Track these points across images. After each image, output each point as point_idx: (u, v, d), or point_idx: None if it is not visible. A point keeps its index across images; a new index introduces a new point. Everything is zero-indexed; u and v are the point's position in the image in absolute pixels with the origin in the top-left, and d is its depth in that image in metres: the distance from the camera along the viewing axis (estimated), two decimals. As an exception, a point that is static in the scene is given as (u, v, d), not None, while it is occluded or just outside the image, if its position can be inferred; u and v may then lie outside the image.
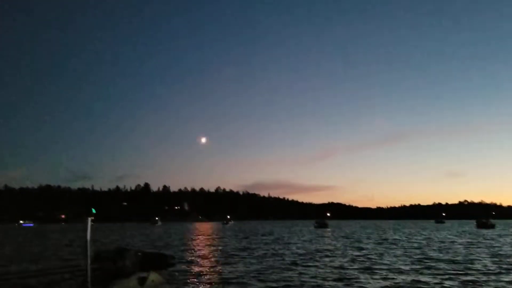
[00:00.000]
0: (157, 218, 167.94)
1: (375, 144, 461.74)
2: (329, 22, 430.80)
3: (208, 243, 40.19)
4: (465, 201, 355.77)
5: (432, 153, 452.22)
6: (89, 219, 4.33)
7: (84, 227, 4.15)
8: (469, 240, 41.70)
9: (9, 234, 75.89)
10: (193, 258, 24.28)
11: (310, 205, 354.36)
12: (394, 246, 32.72)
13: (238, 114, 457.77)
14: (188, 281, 15.27)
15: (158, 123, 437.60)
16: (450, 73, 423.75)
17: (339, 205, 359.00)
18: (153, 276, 5.36)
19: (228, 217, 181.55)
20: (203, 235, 60.95)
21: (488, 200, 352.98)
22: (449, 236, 50.71)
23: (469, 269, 18.45)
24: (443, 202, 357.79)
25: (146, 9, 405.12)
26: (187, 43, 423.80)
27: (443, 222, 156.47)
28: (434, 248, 31.07)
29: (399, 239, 43.54)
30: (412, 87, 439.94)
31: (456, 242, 38.92)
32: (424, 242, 38.87)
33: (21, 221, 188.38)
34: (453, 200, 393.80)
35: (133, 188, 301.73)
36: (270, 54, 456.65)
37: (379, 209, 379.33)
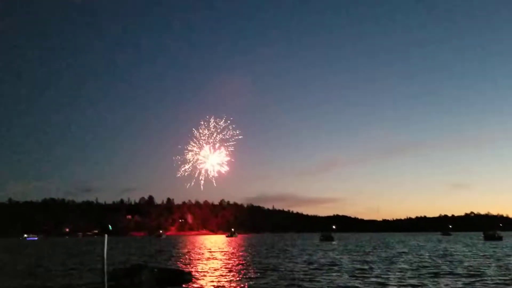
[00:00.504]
0: (161, 231, 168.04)
1: (380, 156, 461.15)
2: (334, 36, 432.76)
3: (214, 256, 39.88)
4: (471, 213, 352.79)
5: (438, 165, 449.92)
6: (106, 236, 4.21)
7: (102, 244, 4.01)
8: (479, 253, 41.14)
9: (16, 248, 75.65)
10: (202, 272, 23.96)
11: (315, 218, 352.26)
12: (402, 260, 32.30)
13: (243, 127, 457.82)
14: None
15: (162, 136, 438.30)
16: (456, 85, 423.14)
17: (344, 218, 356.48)
18: None
19: (233, 229, 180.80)
20: (208, 248, 60.55)
21: (494, 211, 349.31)
22: (457, 248, 50.09)
23: (482, 282, 18.09)
24: (449, 214, 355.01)
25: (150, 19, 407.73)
26: (193, 52, 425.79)
27: (450, 234, 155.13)
28: (444, 261, 30.63)
29: (407, 252, 43.03)
30: (418, 99, 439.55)
31: (466, 254, 38.40)
32: (432, 255, 38.37)
33: (25, 235, 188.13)
34: (459, 212, 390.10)
35: (137, 201, 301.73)
36: (274, 66, 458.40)
37: (385, 222, 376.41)
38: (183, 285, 5.33)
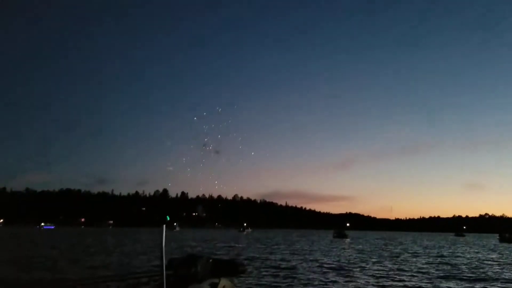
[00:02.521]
0: (175, 224, 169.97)
1: (394, 155, 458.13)
2: (348, 33, 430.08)
3: (226, 251, 40.41)
4: (486, 214, 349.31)
5: (452, 165, 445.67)
6: (164, 226, 4.80)
7: (160, 234, 4.61)
8: (497, 256, 41.07)
9: (40, 236, 77.28)
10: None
11: (327, 215, 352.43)
12: (421, 261, 32.50)
13: (257, 123, 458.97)
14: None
15: (178, 129, 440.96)
16: (472, 85, 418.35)
17: (357, 216, 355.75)
18: (224, 282, 5.85)
19: (245, 224, 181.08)
20: (219, 241, 61.25)
21: (510, 213, 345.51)
22: (476, 251, 50.07)
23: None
24: (463, 215, 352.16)
25: (160, 8, 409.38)
26: (207, 45, 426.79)
27: (463, 235, 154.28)
28: (466, 266, 30.73)
29: (422, 253, 43.20)
30: (433, 97, 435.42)
31: (484, 258, 38.43)
32: (452, 258, 38.50)
33: (42, 224, 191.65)
34: (474, 213, 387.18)
35: (151, 193, 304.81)
36: (288, 62, 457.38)
37: (398, 221, 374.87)
38: (238, 276, 5.73)
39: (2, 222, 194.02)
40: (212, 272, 6.27)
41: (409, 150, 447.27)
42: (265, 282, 17.58)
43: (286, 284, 17.15)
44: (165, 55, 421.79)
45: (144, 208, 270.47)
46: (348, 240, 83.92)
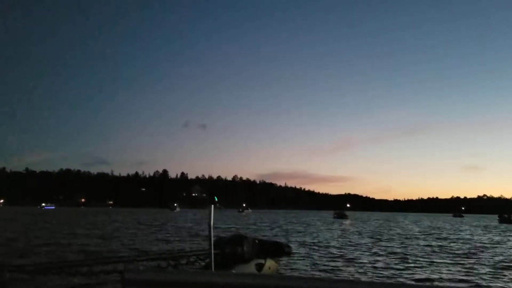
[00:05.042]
0: (175, 204, 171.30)
1: (393, 136, 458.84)
2: (349, 11, 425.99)
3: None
4: (484, 195, 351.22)
5: (451, 146, 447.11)
6: (212, 206, 4.85)
7: (208, 214, 4.66)
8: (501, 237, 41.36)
9: (51, 216, 77.18)
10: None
11: (326, 196, 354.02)
12: (423, 242, 32.61)
13: (257, 103, 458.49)
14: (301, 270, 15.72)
15: (177, 111, 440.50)
16: (470, 66, 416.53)
17: (355, 197, 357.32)
18: (270, 263, 5.91)
19: (244, 205, 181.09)
20: (220, 222, 61.35)
21: (508, 195, 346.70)
22: (480, 232, 50.42)
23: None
24: (462, 196, 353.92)
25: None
26: (200, 26, 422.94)
27: (462, 216, 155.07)
28: (477, 248, 30.88)
29: (423, 234, 43.42)
30: (432, 79, 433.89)
31: (493, 240, 38.64)
32: (454, 239, 38.77)
33: (43, 204, 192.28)
34: (472, 194, 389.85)
35: (151, 174, 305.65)
36: (287, 42, 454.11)
37: (396, 202, 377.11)
38: (284, 257, 5.77)
39: (2, 202, 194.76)
40: (258, 252, 6.32)
41: (408, 132, 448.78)
42: (309, 264, 17.64)
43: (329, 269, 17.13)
44: (161, 34, 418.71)
45: (144, 189, 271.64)
46: (348, 221, 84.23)
